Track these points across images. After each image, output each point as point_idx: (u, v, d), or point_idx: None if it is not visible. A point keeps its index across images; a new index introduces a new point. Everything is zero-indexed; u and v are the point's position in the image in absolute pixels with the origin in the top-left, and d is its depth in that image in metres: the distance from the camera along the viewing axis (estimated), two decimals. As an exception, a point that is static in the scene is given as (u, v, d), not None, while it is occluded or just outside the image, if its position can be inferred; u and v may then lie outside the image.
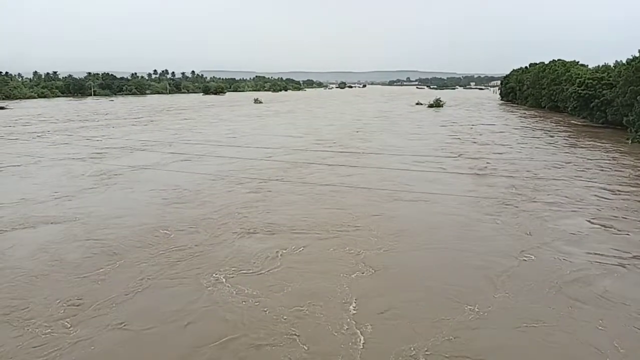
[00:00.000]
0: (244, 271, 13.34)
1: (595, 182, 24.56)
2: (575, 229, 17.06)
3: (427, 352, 9.46)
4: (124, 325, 10.49)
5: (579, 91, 54.38)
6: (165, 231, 16.67)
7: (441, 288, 12.39)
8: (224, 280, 12.76)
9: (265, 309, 11.15)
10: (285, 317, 10.77)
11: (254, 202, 20.65)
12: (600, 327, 10.47)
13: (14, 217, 18.28)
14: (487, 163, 30.03)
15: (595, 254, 14.64)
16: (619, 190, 22.83)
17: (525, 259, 14.30)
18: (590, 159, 31.60)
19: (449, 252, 14.96)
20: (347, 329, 10.29)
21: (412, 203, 20.68)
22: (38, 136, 44.79)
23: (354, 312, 11.00)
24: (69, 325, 10.40)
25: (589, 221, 17.92)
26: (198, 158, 32.06)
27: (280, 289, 12.24)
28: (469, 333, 10.23)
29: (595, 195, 21.77)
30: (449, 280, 12.82)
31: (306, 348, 9.62)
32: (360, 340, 9.88)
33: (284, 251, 14.87)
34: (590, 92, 52.64)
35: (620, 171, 27.70)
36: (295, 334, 10.08)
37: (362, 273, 13.24)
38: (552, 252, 14.79)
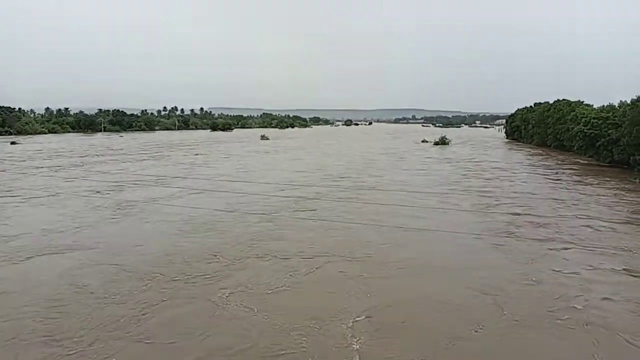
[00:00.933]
0: (256, 291, 14.21)
1: (597, 218, 25.01)
2: (573, 260, 17.59)
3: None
4: (146, 339, 11.20)
5: (585, 130, 55.21)
6: (182, 258, 17.34)
7: (440, 306, 13.25)
8: (237, 299, 13.54)
9: (275, 325, 11.95)
10: (292, 332, 11.58)
11: (266, 231, 21.30)
12: (584, 342, 11.42)
13: (38, 245, 19.03)
14: (491, 198, 30.58)
15: (589, 282, 15.28)
16: (619, 227, 23.24)
17: (525, 283, 15.10)
18: (595, 197, 32.08)
19: (451, 276, 15.72)
20: (348, 342, 11.12)
21: (418, 234, 21.24)
22: (56, 170, 46.05)
23: (356, 328, 11.82)
24: (97, 341, 10.93)
25: (585, 254, 18.38)
26: (211, 192, 32.88)
27: (289, 307, 13.10)
28: (463, 343, 11.14)
29: (596, 231, 22.22)
30: (448, 300, 13.69)
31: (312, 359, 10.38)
32: (359, 351, 10.74)
33: (294, 274, 15.77)
34: (595, 132, 53.40)
35: (623, 209, 28.11)
36: (301, 347, 10.89)
37: (367, 295, 13.98)
38: (549, 279, 15.52)
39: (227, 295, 13.88)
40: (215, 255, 17.69)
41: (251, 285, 14.70)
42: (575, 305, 13.43)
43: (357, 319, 12.34)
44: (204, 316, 12.49)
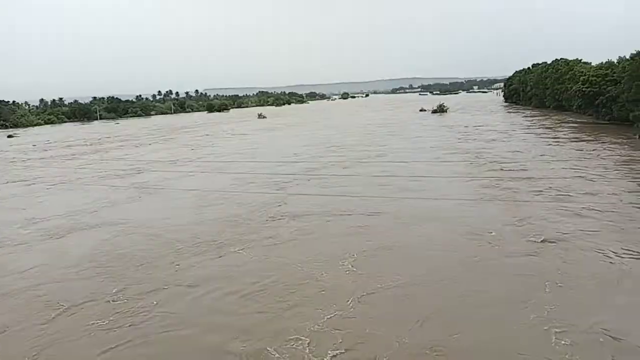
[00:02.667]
0: (275, 242, 16.84)
1: (586, 168, 26.53)
2: (556, 204, 19.27)
3: (406, 282, 12.87)
4: (188, 285, 13.04)
5: (583, 89, 55.23)
6: (206, 226, 19.11)
7: (431, 244, 15.98)
8: (260, 252, 15.95)
9: (293, 263, 14.66)
10: (305, 270, 14.15)
11: (277, 201, 22.94)
12: (561, 258, 13.08)
13: (71, 223, 20.68)
14: (487, 159, 31.81)
15: (563, 217, 17.16)
16: (607, 175, 24.76)
17: (508, 223, 17.51)
18: (589, 152, 33.36)
19: (443, 224, 17.90)
20: (348, 271, 13.88)
21: (418, 192, 22.98)
22: (69, 159, 47.21)
23: (357, 261, 14.51)
24: (153, 301, 12.42)
25: (571, 201, 19.98)
26: (220, 171, 34.19)
27: (304, 252, 15.72)
28: (453, 265, 13.36)
29: (587, 181, 23.72)
30: (440, 240, 16.35)
31: (318, 287, 12.94)
32: (357, 277, 13.39)
33: (306, 229, 18.17)
34: (594, 90, 53.17)
35: (618, 159, 29.31)
36: (312, 279, 13.46)
37: (368, 241, 16.39)
38: (533, 219, 17.80)
39: (250, 247, 16.30)
40: (235, 222, 19.49)
41: (271, 240, 17.03)
42: (566, 238, 15.34)
43: (361, 255, 15.01)
44: (233, 265, 14.92)
